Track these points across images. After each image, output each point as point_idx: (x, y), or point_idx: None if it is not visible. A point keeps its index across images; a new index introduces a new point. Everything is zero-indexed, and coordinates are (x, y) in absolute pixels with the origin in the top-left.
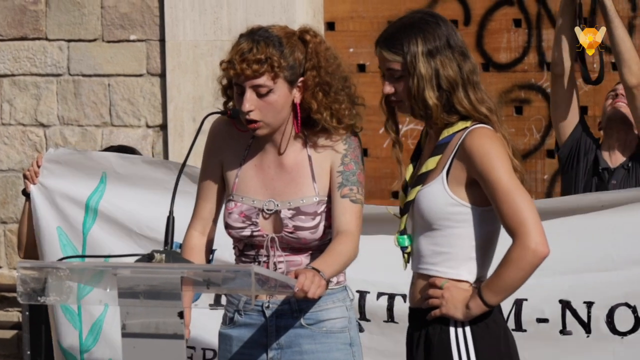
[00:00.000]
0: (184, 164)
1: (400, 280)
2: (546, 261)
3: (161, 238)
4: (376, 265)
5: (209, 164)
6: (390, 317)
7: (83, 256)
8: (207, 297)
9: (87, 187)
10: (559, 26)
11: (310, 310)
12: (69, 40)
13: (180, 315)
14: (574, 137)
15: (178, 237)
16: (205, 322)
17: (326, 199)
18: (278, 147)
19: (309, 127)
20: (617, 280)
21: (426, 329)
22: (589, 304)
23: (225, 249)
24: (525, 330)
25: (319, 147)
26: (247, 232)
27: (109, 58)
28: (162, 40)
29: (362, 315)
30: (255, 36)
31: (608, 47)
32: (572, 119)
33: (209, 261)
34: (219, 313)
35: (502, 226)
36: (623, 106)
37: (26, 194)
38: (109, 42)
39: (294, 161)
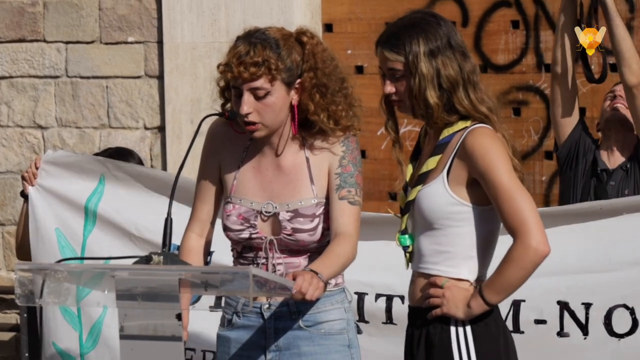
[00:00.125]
0: (182, 166)
1: (398, 281)
2: (544, 262)
3: (160, 240)
4: (373, 267)
5: (206, 165)
6: (389, 319)
7: (81, 258)
8: (208, 299)
9: (85, 189)
10: (560, 25)
11: (309, 312)
12: (67, 42)
13: (178, 317)
14: (573, 138)
15: (176, 239)
16: (205, 323)
17: (324, 200)
18: (276, 149)
19: (307, 128)
20: (616, 281)
21: (427, 328)
22: (587, 305)
23: (223, 251)
24: (522, 332)
25: (317, 148)
26: (245, 235)
27: (106, 60)
28: (160, 42)
29: (361, 317)
30: (252, 39)
31: (608, 49)
32: (572, 119)
33: (206, 263)
34: (219, 314)
35: (501, 226)
36: (622, 107)
37: (24, 195)
38: (106, 44)
39: (292, 163)
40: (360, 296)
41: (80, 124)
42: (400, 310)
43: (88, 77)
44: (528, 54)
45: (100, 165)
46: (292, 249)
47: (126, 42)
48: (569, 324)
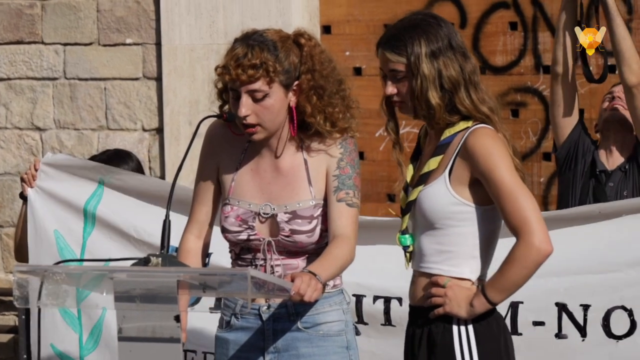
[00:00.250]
0: (180, 167)
1: (395, 283)
2: (543, 263)
3: (159, 242)
4: (371, 270)
5: (205, 167)
6: (388, 321)
7: (80, 260)
8: (207, 300)
9: (84, 191)
10: (560, 25)
11: (307, 314)
12: (65, 44)
13: (177, 318)
14: (573, 138)
15: (174, 241)
16: (205, 324)
17: (322, 202)
18: (274, 151)
19: (304, 130)
20: (614, 283)
21: (428, 327)
22: (586, 307)
23: (221, 253)
24: (520, 334)
25: (314, 150)
26: (243, 236)
27: (105, 62)
28: (158, 44)
29: (360, 319)
30: (250, 41)
31: (608, 50)
32: (572, 120)
33: (205, 265)
34: (219, 316)
35: (502, 225)
36: (620, 108)
37: (23, 197)
38: (105, 45)
39: (290, 165)
40: (359, 298)
41: (79, 125)
42: (399, 312)
43: (86, 79)
44: (526, 55)
45: (100, 170)
46: (290, 251)
47: (124, 44)
48: (567, 326)
